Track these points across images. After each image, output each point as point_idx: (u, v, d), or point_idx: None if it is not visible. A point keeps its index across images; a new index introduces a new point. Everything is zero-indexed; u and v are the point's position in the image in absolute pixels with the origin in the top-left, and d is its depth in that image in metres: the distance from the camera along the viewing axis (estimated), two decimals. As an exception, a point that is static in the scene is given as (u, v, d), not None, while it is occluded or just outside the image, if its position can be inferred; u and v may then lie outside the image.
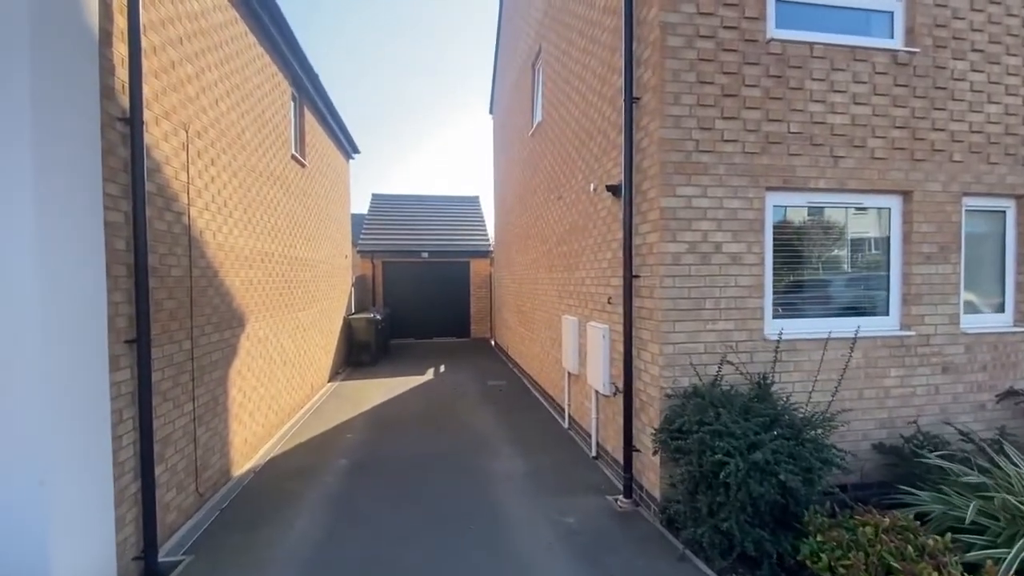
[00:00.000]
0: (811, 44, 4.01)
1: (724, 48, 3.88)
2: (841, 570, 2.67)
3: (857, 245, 4.45)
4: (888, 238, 4.37)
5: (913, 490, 3.45)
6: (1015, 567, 2.61)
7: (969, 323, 4.47)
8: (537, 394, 8.43)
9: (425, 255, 15.37)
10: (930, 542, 2.66)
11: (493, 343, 14.75)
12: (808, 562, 2.83)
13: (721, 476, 2.98)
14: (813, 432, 3.30)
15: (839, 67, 4.07)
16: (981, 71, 4.33)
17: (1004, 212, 4.58)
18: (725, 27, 3.88)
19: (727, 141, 3.91)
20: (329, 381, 9.55)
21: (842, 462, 3.25)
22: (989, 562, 2.58)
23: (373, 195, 18.39)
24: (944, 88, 4.27)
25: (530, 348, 9.18)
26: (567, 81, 6.36)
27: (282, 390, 6.65)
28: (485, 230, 16.88)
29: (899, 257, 4.36)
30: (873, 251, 4.43)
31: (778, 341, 3.99)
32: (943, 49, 4.25)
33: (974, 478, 3.29)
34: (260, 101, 6.01)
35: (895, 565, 2.54)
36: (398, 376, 10.09)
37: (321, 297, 9.09)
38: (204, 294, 4.47)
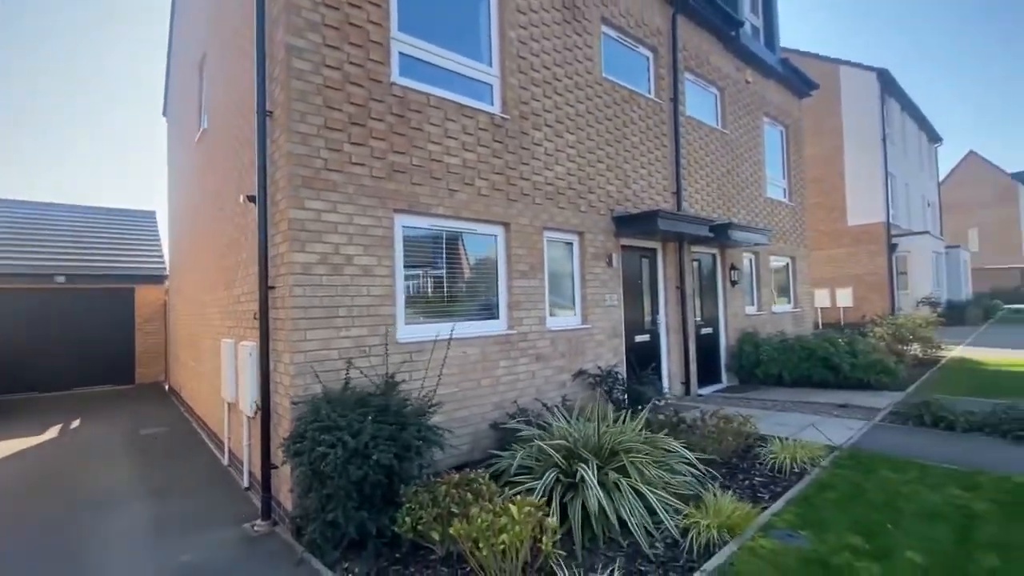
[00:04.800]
0: (428, 95, 4.85)
1: (351, 81, 4.33)
2: (420, 526, 3.14)
3: (478, 262, 5.49)
4: (496, 258, 5.54)
5: (499, 452, 4.36)
6: (545, 490, 3.56)
7: (552, 323, 6.01)
8: (204, 436, 7.32)
9: (61, 279, 11.78)
10: (484, 488, 3.39)
11: (167, 387, 12.23)
12: (397, 528, 3.23)
13: (322, 467, 3.15)
14: (421, 418, 3.83)
15: (452, 118, 5.02)
16: (551, 141, 6.01)
17: (572, 243, 6.40)
18: (351, 63, 4.34)
19: (356, 164, 4.33)
20: None
21: (440, 439, 3.85)
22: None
23: (-27, 198, 13.22)
24: (528, 149, 5.74)
25: (200, 384, 7.97)
26: (226, 92, 5.99)
27: None
28: (160, 251, 14.07)
29: (504, 273, 5.57)
30: (488, 268, 5.55)
31: (437, 342, 4.57)
32: (526, 120, 5.74)
33: (527, 433, 4.39)
34: None
35: (454, 510, 3.13)
36: (-12, 442, 7.28)
37: None
38: None
